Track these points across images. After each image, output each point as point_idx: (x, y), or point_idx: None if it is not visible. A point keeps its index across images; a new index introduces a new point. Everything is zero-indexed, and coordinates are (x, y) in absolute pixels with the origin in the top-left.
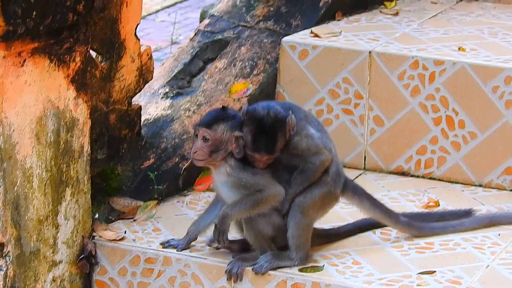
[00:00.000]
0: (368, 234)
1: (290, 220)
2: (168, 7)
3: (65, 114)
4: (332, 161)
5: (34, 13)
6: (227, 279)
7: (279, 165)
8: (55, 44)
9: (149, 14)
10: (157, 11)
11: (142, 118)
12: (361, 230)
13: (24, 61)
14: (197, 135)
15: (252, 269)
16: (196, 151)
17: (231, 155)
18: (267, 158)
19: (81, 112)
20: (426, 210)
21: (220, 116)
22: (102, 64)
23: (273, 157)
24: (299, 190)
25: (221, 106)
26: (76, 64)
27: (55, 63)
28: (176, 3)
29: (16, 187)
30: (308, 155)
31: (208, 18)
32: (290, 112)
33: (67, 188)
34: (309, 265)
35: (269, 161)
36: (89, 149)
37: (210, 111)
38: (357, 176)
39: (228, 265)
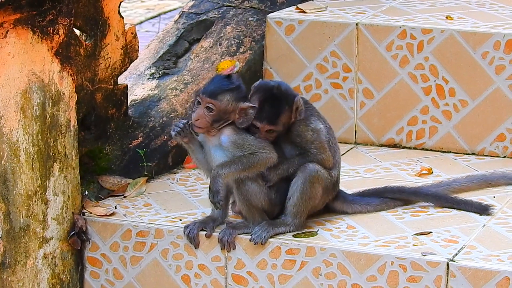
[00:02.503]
0: None
1: (296, 187)
2: (152, 18)
3: (50, 88)
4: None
5: None
6: (221, 248)
7: (279, 147)
8: (38, 16)
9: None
10: (141, 22)
11: (129, 99)
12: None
13: (7, 32)
14: (199, 103)
15: (250, 240)
16: (198, 119)
17: (231, 123)
18: (268, 130)
19: (66, 85)
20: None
21: (226, 85)
22: (86, 42)
23: (274, 129)
24: (291, 170)
25: (226, 74)
26: (59, 37)
27: (38, 35)
28: (159, 14)
29: (3, 161)
30: (311, 148)
31: (192, 0)
32: (299, 95)
33: (55, 163)
34: (303, 231)
35: (271, 136)
36: (76, 124)
37: (214, 77)
38: (348, 150)
39: (219, 233)
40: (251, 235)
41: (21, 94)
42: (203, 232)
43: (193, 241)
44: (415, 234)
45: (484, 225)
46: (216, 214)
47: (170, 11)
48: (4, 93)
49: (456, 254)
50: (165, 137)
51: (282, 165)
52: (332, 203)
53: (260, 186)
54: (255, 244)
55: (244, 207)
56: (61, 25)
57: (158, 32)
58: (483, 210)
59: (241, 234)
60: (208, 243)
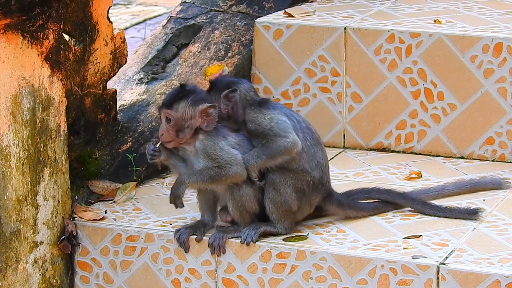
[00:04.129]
0: None
1: (266, 197)
2: (137, 24)
3: (40, 93)
4: (315, 167)
5: None
6: (211, 253)
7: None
8: (28, 21)
9: None
10: (126, 28)
11: (118, 104)
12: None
13: None
14: (161, 117)
15: (241, 241)
16: (163, 134)
17: (201, 129)
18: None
19: (56, 90)
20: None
21: (179, 93)
22: (76, 47)
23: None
24: (255, 163)
25: (178, 84)
26: (49, 41)
27: (28, 40)
28: (145, 20)
29: None
30: (270, 135)
31: (180, 5)
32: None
33: (45, 168)
34: (293, 234)
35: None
36: (65, 129)
37: (170, 90)
38: (337, 154)
39: (209, 238)
40: (237, 237)
41: (11, 99)
42: (194, 237)
43: (183, 245)
44: (405, 238)
45: (474, 228)
46: (206, 219)
47: (155, 17)
48: None
49: (447, 258)
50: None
51: (248, 157)
52: (326, 206)
53: (254, 190)
54: (247, 245)
55: (237, 212)
56: (51, 30)
57: (143, 38)
58: (472, 214)
59: (231, 238)
60: (198, 247)
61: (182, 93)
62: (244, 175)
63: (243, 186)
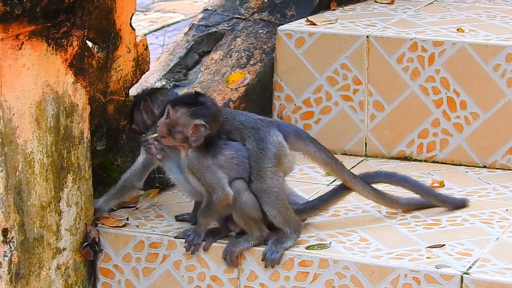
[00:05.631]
0: (373, 212)
1: (263, 206)
2: (155, 30)
3: (64, 99)
4: None
5: None
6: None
7: None
8: (52, 28)
9: None
10: (145, 35)
11: None
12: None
13: (22, 44)
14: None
15: (265, 264)
16: (159, 125)
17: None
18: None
19: (80, 97)
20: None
21: (188, 99)
22: (99, 54)
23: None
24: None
25: (194, 90)
26: (73, 48)
27: (52, 47)
28: (163, 26)
29: (17, 172)
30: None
31: (202, 13)
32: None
33: (68, 175)
34: (316, 243)
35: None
36: (89, 135)
37: (187, 92)
38: (359, 163)
39: (223, 252)
40: (263, 256)
41: (36, 106)
42: (223, 246)
43: (233, 264)
44: (428, 247)
45: (498, 238)
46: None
47: (173, 23)
48: (19, 105)
49: (470, 267)
50: None
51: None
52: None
53: (256, 199)
54: (272, 267)
55: (241, 221)
56: (75, 37)
57: (162, 45)
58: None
59: (242, 250)
60: (221, 255)
61: (191, 100)
62: (228, 197)
63: (244, 193)
